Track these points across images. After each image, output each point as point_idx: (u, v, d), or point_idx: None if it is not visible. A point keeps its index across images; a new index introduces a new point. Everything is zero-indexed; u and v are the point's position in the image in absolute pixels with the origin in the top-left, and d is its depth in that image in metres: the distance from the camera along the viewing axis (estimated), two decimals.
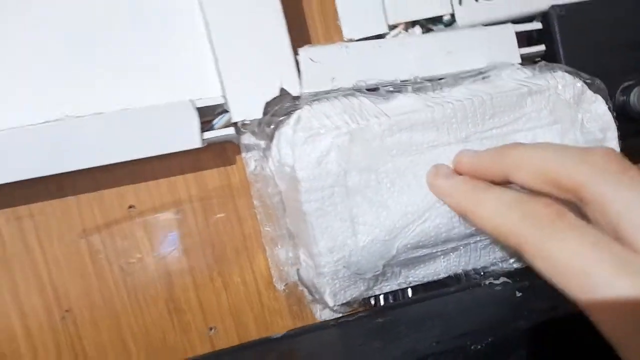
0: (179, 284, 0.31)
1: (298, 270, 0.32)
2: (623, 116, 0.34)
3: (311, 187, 0.26)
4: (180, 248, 0.31)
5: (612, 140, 0.31)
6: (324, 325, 0.27)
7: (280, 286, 0.33)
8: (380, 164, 0.27)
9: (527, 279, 0.27)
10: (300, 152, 0.26)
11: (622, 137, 0.31)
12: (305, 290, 0.32)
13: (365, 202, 0.27)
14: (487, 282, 0.28)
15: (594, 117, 0.30)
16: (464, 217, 0.26)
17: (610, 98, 0.32)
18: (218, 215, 0.32)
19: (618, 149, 0.30)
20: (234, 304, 0.32)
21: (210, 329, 0.31)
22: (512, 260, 0.30)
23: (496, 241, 0.29)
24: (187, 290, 0.31)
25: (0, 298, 0.28)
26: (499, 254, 0.30)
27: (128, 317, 0.30)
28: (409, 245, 0.28)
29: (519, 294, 0.26)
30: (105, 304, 0.30)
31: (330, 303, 0.28)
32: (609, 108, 0.31)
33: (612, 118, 0.30)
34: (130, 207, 0.30)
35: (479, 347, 0.21)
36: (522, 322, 0.22)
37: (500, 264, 0.30)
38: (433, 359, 0.21)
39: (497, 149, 0.26)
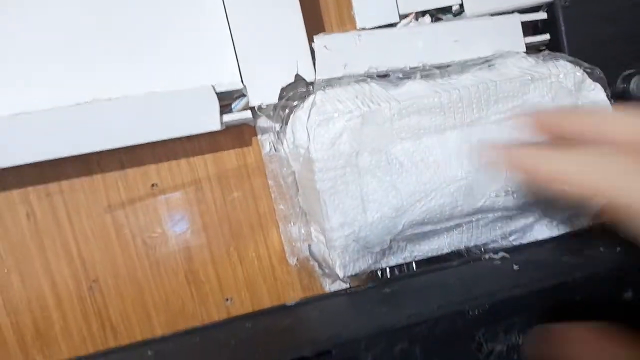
0: (198, 258, 0.32)
1: (309, 245, 0.33)
2: (623, 103, 0.35)
3: (325, 166, 0.27)
4: (195, 227, 0.32)
5: None
6: (335, 294, 0.29)
7: (292, 261, 0.34)
8: (390, 146, 0.28)
9: (525, 254, 0.28)
10: (314, 134, 0.27)
11: None
12: (316, 265, 0.33)
13: (375, 182, 0.28)
14: (486, 256, 0.29)
15: (593, 104, 0.31)
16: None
17: (611, 86, 0.33)
18: (235, 194, 0.33)
19: None
20: (249, 277, 0.33)
21: (227, 299, 0.33)
22: (511, 238, 0.32)
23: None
24: (205, 264, 0.33)
25: (33, 269, 0.30)
26: (499, 231, 0.31)
27: (150, 287, 0.32)
28: (414, 222, 0.29)
29: (516, 267, 0.27)
30: (129, 275, 0.31)
31: (341, 274, 0.29)
32: (607, 95, 0.31)
33: (609, 105, 0.31)
34: (152, 185, 0.32)
35: (477, 312, 0.23)
36: (517, 290, 0.24)
37: (500, 241, 0.32)
38: (434, 322, 0.22)
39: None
